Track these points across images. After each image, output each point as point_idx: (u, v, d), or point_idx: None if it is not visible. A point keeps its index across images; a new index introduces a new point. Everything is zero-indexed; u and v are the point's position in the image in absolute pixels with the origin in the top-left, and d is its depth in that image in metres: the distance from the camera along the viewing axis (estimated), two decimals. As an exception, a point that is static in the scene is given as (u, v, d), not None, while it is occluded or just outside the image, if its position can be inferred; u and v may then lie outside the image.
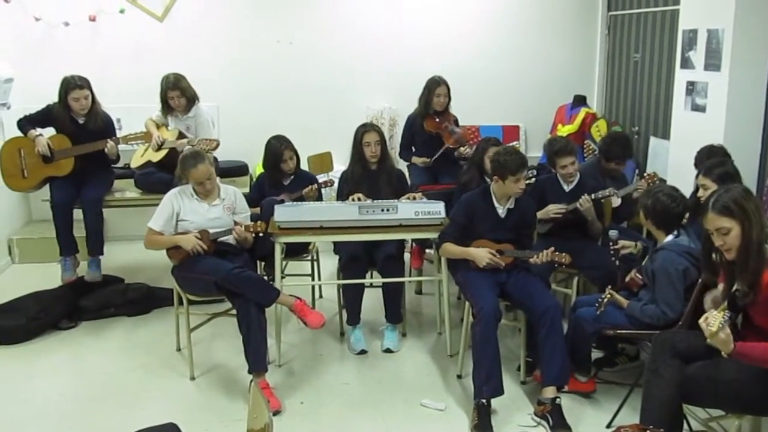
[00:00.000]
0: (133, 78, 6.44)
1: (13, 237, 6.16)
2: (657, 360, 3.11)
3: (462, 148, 5.59)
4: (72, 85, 4.94)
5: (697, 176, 4.01)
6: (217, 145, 5.07)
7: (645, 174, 4.77)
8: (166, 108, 5.38)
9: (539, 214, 4.41)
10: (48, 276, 5.32)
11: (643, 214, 3.70)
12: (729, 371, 2.90)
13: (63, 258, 5.13)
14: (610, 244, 4.01)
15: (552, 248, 3.89)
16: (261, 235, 4.19)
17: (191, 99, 5.37)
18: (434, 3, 6.93)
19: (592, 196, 4.40)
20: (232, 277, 3.87)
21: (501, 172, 3.95)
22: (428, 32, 6.94)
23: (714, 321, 2.62)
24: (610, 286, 3.76)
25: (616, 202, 4.58)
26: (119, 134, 5.28)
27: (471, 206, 4.10)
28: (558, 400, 3.69)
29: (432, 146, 5.60)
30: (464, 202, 4.15)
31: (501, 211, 4.05)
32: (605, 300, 3.68)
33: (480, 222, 4.06)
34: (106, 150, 5.02)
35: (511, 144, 5.86)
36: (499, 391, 3.71)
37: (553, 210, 4.44)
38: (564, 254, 3.86)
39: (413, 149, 5.81)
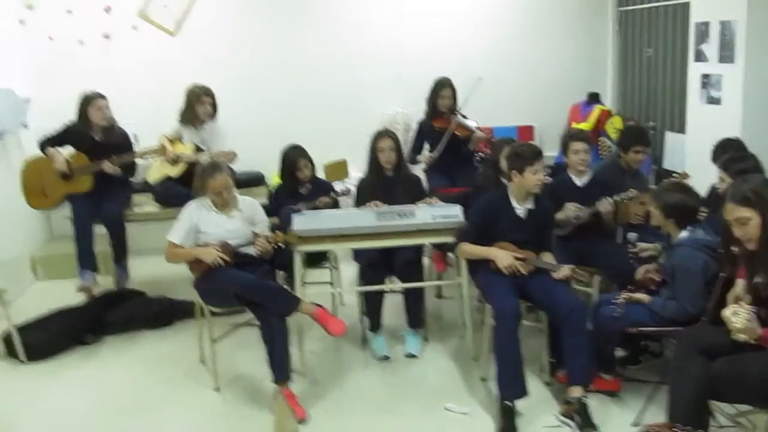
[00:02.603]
0: (148, 93, 6.51)
1: (35, 254, 6.22)
2: (682, 357, 3.09)
3: (474, 135, 5.58)
4: (94, 96, 5.11)
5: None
6: (235, 157, 5.12)
7: (674, 174, 4.74)
8: (190, 117, 5.44)
9: (559, 215, 4.39)
10: (71, 292, 5.36)
11: (660, 215, 3.67)
12: (756, 366, 2.88)
13: (81, 271, 5.18)
14: (629, 247, 3.99)
15: (573, 266, 3.88)
16: (281, 246, 4.21)
17: (216, 108, 5.51)
18: (444, 6, 6.94)
19: (614, 198, 4.37)
20: (252, 288, 3.90)
21: (519, 164, 3.93)
22: (439, 35, 6.94)
23: (738, 318, 2.60)
24: (625, 289, 3.74)
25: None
26: (135, 149, 5.34)
27: (489, 207, 4.09)
28: (584, 399, 3.68)
29: (447, 146, 5.60)
30: (482, 203, 4.14)
31: (520, 212, 4.04)
32: (621, 301, 3.66)
33: (499, 223, 4.04)
34: (104, 169, 5.07)
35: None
36: (523, 393, 3.70)
37: (572, 210, 4.41)
38: (584, 273, 3.84)
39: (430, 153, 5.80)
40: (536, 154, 3.93)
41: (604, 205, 4.36)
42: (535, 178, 3.92)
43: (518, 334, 3.74)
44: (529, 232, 4.05)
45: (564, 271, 3.87)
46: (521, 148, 4.00)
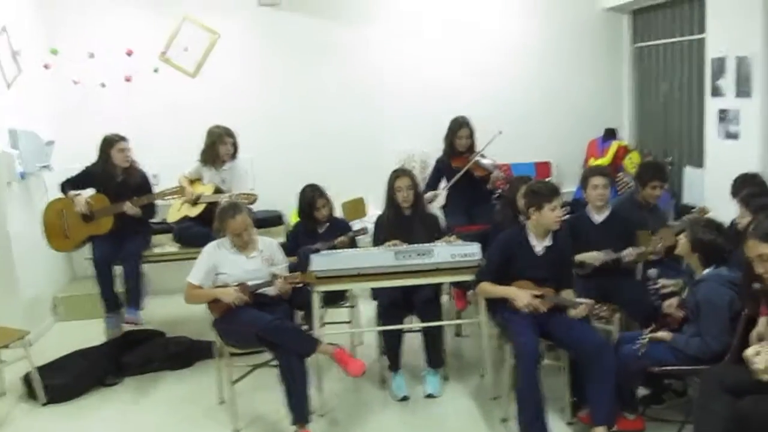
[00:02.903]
0: (168, 134, 6.61)
1: (57, 295, 6.28)
2: (706, 396, 3.05)
3: (493, 175, 5.58)
4: (116, 138, 5.20)
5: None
6: (255, 199, 5.17)
7: (692, 209, 4.73)
8: (211, 157, 5.50)
9: (579, 257, 4.36)
10: (93, 332, 5.41)
11: (689, 248, 3.64)
12: (781, 406, 2.83)
13: (107, 315, 5.22)
14: (650, 283, 3.96)
15: (592, 302, 3.85)
16: (300, 286, 4.22)
17: (236, 149, 5.60)
18: (460, 43, 7.01)
19: (641, 250, 4.35)
20: (271, 329, 3.90)
21: (537, 201, 3.94)
22: (455, 73, 7.01)
23: (761, 358, 2.57)
24: (648, 329, 3.70)
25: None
26: (155, 189, 5.41)
27: (507, 245, 4.08)
28: None
29: (465, 184, 5.61)
30: (500, 241, 4.14)
31: (538, 249, 4.03)
32: (645, 340, 3.62)
33: (517, 261, 4.03)
34: (125, 210, 5.13)
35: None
36: None
37: (594, 258, 4.38)
38: (605, 308, 3.81)
39: (448, 192, 5.81)
40: (553, 191, 3.94)
41: (628, 255, 4.35)
42: (553, 215, 3.92)
43: (539, 373, 3.70)
44: (547, 269, 4.03)
45: (582, 309, 3.84)
46: (538, 186, 4.03)
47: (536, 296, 3.91)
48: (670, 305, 3.82)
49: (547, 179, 6.30)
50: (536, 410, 3.66)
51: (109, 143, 5.19)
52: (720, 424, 2.96)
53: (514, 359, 3.82)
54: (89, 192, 5.27)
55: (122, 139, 5.23)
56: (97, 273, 5.17)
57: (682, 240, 3.68)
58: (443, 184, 5.81)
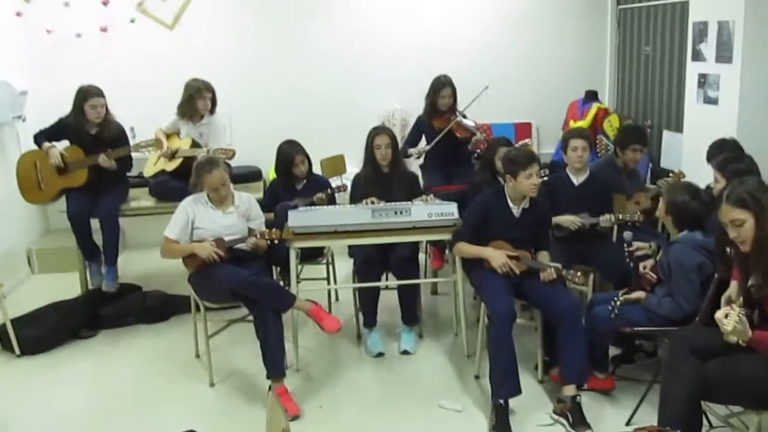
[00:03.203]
0: (145, 86, 6.50)
1: (32, 248, 6.23)
2: (674, 358, 3.10)
3: (475, 137, 5.57)
4: (90, 93, 5.04)
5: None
6: (233, 154, 5.12)
7: (670, 174, 4.76)
8: (189, 111, 5.43)
9: (557, 220, 4.39)
10: (68, 286, 5.38)
11: (664, 210, 3.68)
12: (748, 367, 2.89)
13: (88, 263, 5.18)
14: (625, 245, 4.00)
15: (560, 265, 3.89)
16: (276, 242, 4.21)
17: (215, 104, 5.51)
18: (443, 3, 6.93)
19: (618, 216, 4.38)
20: (247, 285, 3.91)
21: (512, 169, 3.94)
22: (437, 31, 6.94)
23: (729, 320, 2.62)
24: (621, 292, 3.75)
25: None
26: (132, 142, 5.33)
27: (485, 206, 4.10)
28: (578, 398, 3.70)
29: (445, 144, 5.59)
30: (478, 202, 4.15)
31: (516, 211, 4.05)
32: (617, 303, 3.68)
33: (494, 222, 4.05)
34: (99, 162, 5.05)
35: (522, 142, 5.88)
36: (516, 391, 3.71)
37: (572, 222, 4.41)
38: (576, 273, 3.84)
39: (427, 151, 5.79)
40: (529, 158, 3.94)
41: (605, 221, 4.38)
42: (528, 182, 3.92)
43: (512, 333, 3.75)
44: (524, 230, 4.06)
45: (549, 273, 3.88)
46: (514, 153, 4.03)
47: (511, 257, 3.94)
48: (645, 266, 3.87)
49: (527, 140, 6.31)
50: (508, 369, 3.70)
51: (83, 96, 5.04)
52: (686, 385, 3.01)
53: (488, 319, 3.85)
54: (63, 144, 5.18)
55: (97, 94, 5.05)
56: (72, 227, 5.10)
57: (662, 202, 3.71)
58: (423, 143, 5.79)
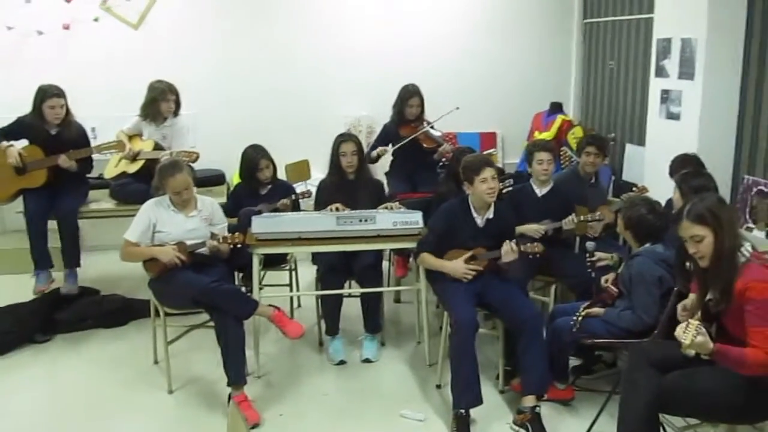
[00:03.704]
0: (108, 87, 6.40)
1: (-14, 248, 6.08)
2: (633, 370, 3.13)
3: (441, 147, 5.59)
4: (49, 93, 4.93)
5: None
6: (197, 157, 5.06)
7: (633, 188, 4.84)
8: (152, 113, 5.34)
9: (520, 229, 4.42)
10: (22, 288, 5.24)
11: (623, 225, 3.73)
12: (705, 381, 2.93)
13: (37, 272, 5.06)
14: (587, 256, 4.04)
15: (514, 241, 3.92)
16: (239, 246, 4.17)
17: (179, 106, 5.44)
18: (410, 10, 6.95)
19: (581, 218, 4.43)
20: (209, 292, 3.85)
21: (468, 175, 3.97)
22: (405, 40, 6.96)
23: (687, 334, 2.66)
24: (583, 306, 3.79)
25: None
26: (93, 143, 5.24)
27: (449, 215, 4.10)
28: (538, 408, 3.72)
29: (411, 151, 5.59)
30: (442, 211, 4.15)
31: (479, 221, 4.06)
32: (579, 319, 3.71)
33: (459, 231, 4.06)
34: (59, 163, 4.96)
35: (487, 151, 5.91)
36: (477, 401, 3.72)
37: (535, 230, 4.45)
38: (536, 245, 3.90)
39: (393, 157, 5.78)
40: (482, 163, 3.96)
41: (568, 222, 4.42)
42: (484, 186, 3.92)
43: (474, 343, 3.76)
44: (488, 239, 4.07)
45: (508, 253, 3.89)
46: (468, 160, 4.06)
47: (468, 260, 3.97)
48: (606, 280, 3.91)
49: (492, 150, 6.34)
50: (470, 379, 3.71)
51: (42, 97, 4.93)
52: (645, 398, 3.04)
53: (451, 328, 3.86)
54: (22, 143, 5.07)
55: (56, 94, 4.93)
56: (29, 228, 4.99)
57: (620, 218, 3.77)
58: (389, 150, 5.79)
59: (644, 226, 3.66)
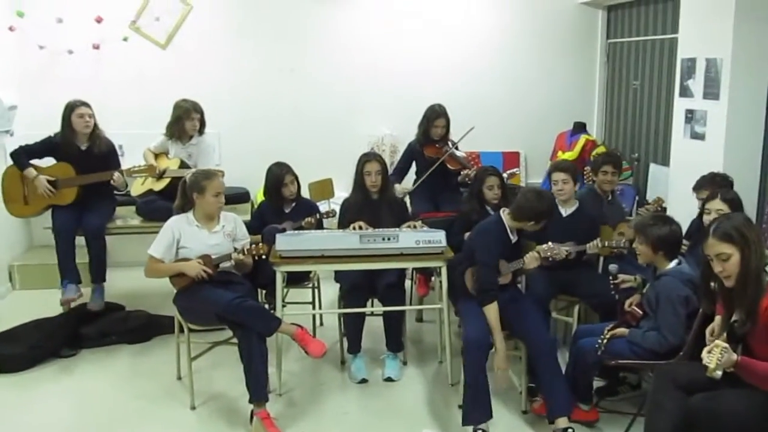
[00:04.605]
0: (136, 105, 6.51)
1: (14, 263, 6.16)
2: (659, 392, 3.11)
3: (465, 171, 5.60)
4: (77, 103, 5.06)
5: (704, 201, 4.03)
6: (222, 175, 5.10)
7: (648, 200, 4.80)
8: (177, 132, 5.42)
9: (542, 249, 4.39)
10: (49, 303, 5.31)
11: (647, 248, 3.67)
12: (731, 403, 2.90)
13: (65, 282, 5.13)
14: (610, 278, 4.01)
15: (540, 249, 3.98)
16: (263, 257, 4.19)
17: (203, 125, 5.51)
18: (435, 31, 6.99)
19: (605, 243, 4.40)
20: (233, 308, 3.87)
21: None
22: (429, 59, 6.99)
23: (713, 356, 2.63)
24: (608, 327, 3.76)
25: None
26: (121, 160, 5.32)
27: (497, 242, 4.02)
28: (570, 430, 3.72)
29: (434, 172, 5.61)
30: (492, 241, 4.01)
31: (513, 238, 4.08)
32: (604, 341, 3.68)
33: (501, 252, 4.05)
34: (112, 182, 5.06)
35: (510, 171, 5.90)
36: (486, 416, 3.74)
37: (558, 253, 4.41)
38: (563, 248, 3.94)
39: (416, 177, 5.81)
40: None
41: (592, 247, 4.39)
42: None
43: (485, 359, 3.78)
44: (518, 254, 4.10)
45: (532, 260, 3.97)
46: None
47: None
48: (630, 303, 3.88)
49: (515, 169, 6.34)
50: (478, 394, 3.71)
51: (70, 109, 5.04)
52: (670, 420, 3.02)
53: (464, 347, 3.85)
54: (47, 162, 5.14)
55: (83, 104, 5.06)
56: (57, 243, 5.06)
57: (641, 248, 3.70)
58: (410, 178, 5.81)
59: (673, 239, 3.62)
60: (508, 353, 4.19)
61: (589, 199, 4.93)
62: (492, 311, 3.87)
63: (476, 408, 3.70)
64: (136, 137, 5.92)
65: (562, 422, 3.73)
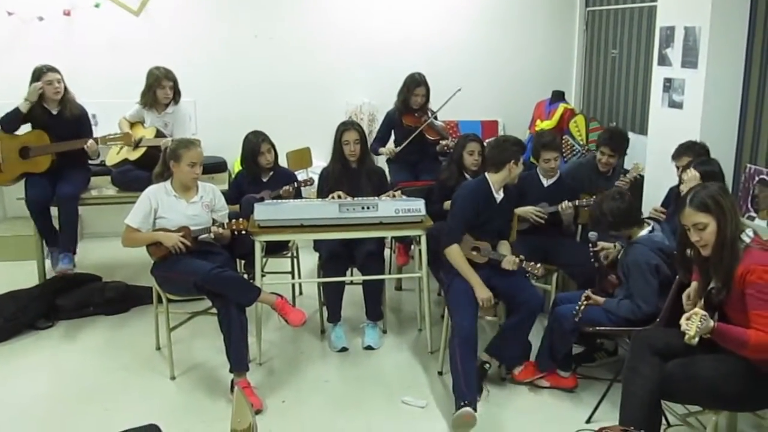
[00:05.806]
0: (109, 73, 6.38)
1: (-13, 235, 6.08)
2: (635, 358, 3.15)
3: (443, 141, 5.59)
4: (44, 69, 4.94)
5: (681, 170, 4.05)
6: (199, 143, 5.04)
7: (626, 169, 4.83)
8: (150, 100, 5.33)
9: (519, 212, 4.43)
10: (24, 275, 5.26)
11: (605, 224, 3.75)
12: (706, 368, 2.95)
13: (51, 250, 5.06)
14: (590, 245, 4.05)
15: (520, 259, 3.93)
16: (243, 233, 4.17)
17: (178, 93, 5.40)
18: (413, 1, 6.91)
19: (576, 203, 4.44)
20: (211, 278, 3.85)
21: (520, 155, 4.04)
22: (407, 27, 6.92)
23: (692, 324, 2.67)
24: (585, 294, 3.80)
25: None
26: (94, 130, 5.23)
27: (476, 199, 4.03)
28: (488, 366, 4.00)
29: (412, 141, 5.59)
30: (468, 196, 4.04)
31: (498, 198, 4.07)
32: (582, 308, 3.72)
33: (482, 213, 4.03)
34: (86, 148, 4.97)
35: (489, 139, 5.90)
36: (478, 392, 3.79)
37: (533, 212, 4.48)
38: (538, 266, 3.89)
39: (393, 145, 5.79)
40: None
41: (564, 207, 4.44)
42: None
43: (475, 348, 3.80)
44: (503, 217, 4.13)
45: (510, 263, 3.93)
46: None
47: (473, 248, 3.99)
48: (607, 255, 3.96)
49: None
50: (470, 378, 3.68)
51: (37, 75, 4.93)
52: (647, 385, 3.06)
53: (452, 333, 3.83)
54: (26, 128, 5.05)
55: (51, 69, 4.94)
56: (32, 214, 5.00)
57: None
58: (392, 142, 5.79)
59: (625, 213, 3.72)
60: (490, 320, 4.26)
61: (586, 169, 4.96)
62: (454, 253, 3.96)
63: (470, 390, 3.64)
64: (110, 106, 5.83)
65: (485, 356, 4.01)
